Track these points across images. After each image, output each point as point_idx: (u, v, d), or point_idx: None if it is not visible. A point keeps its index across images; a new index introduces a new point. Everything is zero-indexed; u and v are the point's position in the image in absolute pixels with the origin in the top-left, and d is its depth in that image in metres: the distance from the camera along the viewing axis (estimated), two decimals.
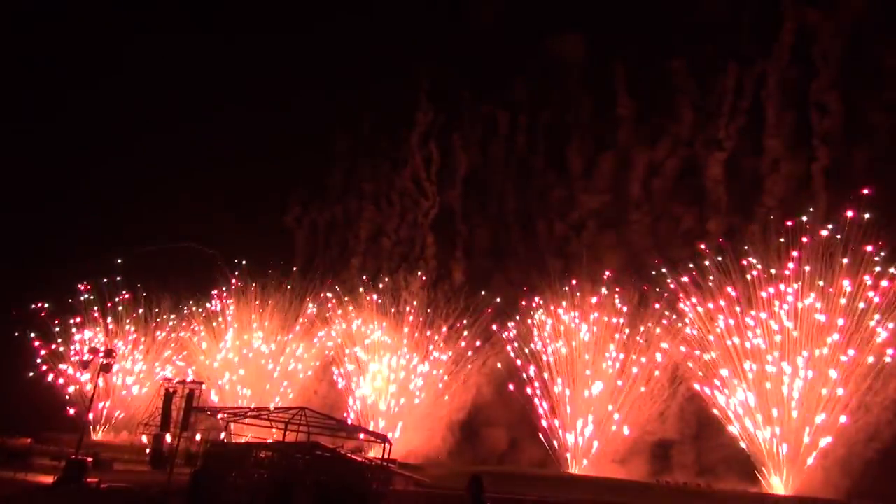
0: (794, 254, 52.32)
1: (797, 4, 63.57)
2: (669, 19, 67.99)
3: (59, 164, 78.58)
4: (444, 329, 64.21)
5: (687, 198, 66.46)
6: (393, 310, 65.73)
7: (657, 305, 57.83)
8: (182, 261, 68.27)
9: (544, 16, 75.94)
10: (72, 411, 63.15)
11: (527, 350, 60.83)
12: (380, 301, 65.84)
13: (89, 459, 37.67)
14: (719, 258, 55.25)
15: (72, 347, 67.17)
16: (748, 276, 53.65)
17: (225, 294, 68.76)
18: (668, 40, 67.78)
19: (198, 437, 43.39)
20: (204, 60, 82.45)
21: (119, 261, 68.49)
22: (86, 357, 45.70)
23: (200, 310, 68.74)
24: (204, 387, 56.83)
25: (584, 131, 72.04)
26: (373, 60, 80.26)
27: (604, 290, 59.93)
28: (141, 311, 68.89)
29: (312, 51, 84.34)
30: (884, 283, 49.68)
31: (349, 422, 58.79)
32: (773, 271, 52.91)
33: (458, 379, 63.23)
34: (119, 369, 65.84)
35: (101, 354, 41.92)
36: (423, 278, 67.39)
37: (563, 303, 60.35)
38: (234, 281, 68.62)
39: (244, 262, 68.68)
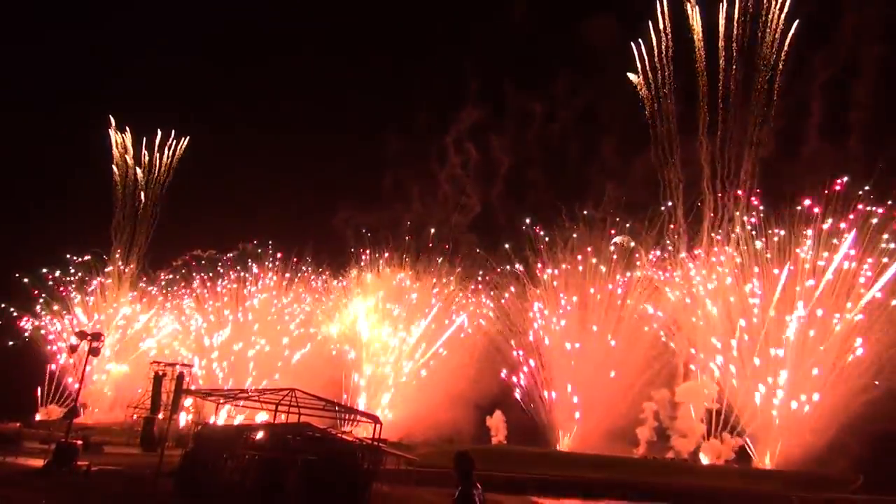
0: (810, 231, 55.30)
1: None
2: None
3: None
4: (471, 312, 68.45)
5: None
6: (420, 280, 69.33)
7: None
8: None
9: (579, 5, 77.11)
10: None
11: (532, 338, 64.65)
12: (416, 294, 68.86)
13: (79, 443, 37.51)
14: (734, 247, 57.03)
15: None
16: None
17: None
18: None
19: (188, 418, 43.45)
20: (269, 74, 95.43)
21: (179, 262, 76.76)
22: (73, 341, 45.36)
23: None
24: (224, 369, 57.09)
25: (621, 125, 72.65)
26: (416, 63, 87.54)
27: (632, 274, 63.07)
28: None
29: (359, 59, 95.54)
30: None
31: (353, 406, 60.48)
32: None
33: (486, 364, 66.20)
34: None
35: (89, 338, 41.55)
36: (460, 269, 69.97)
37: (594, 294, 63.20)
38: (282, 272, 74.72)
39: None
